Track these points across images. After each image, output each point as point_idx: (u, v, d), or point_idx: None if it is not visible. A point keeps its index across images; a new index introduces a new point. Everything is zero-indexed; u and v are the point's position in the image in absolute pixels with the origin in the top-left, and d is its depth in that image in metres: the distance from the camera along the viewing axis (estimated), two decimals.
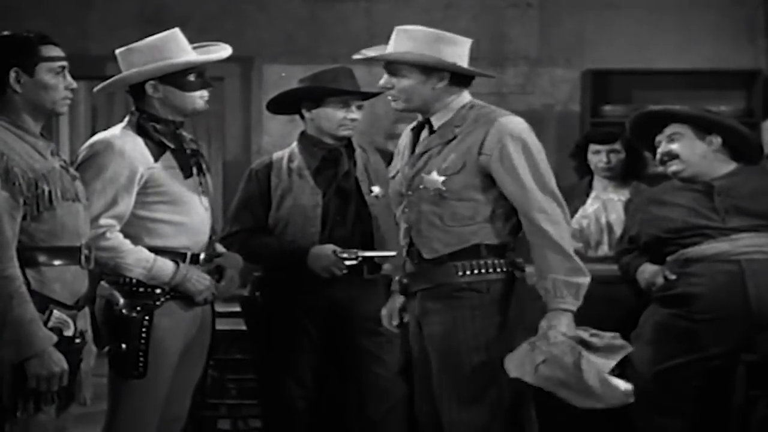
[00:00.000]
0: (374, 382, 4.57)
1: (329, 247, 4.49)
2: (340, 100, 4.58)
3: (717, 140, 4.47)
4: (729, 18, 7.39)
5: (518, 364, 3.67)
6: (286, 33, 7.34)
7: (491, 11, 7.30)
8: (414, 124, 3.98)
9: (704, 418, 4.40)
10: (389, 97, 3.90)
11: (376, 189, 4.58)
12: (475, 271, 3.80)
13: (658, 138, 4.52)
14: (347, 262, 4.46)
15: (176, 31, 4.04)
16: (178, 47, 4.00)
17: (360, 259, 4.50)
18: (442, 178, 3.80)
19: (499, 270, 3.81)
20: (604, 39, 7.28)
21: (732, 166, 4.50)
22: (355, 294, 4.55)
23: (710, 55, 7.31)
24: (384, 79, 3.88)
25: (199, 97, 4.03)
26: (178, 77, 3.97)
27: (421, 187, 3.84)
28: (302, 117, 4.69)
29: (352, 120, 4.60)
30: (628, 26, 7.34)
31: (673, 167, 4.48)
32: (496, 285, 3.80)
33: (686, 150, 4.46)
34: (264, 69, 7.30)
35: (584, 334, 3.72)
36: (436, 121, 3.87)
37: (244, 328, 4.84)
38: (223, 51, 4.12)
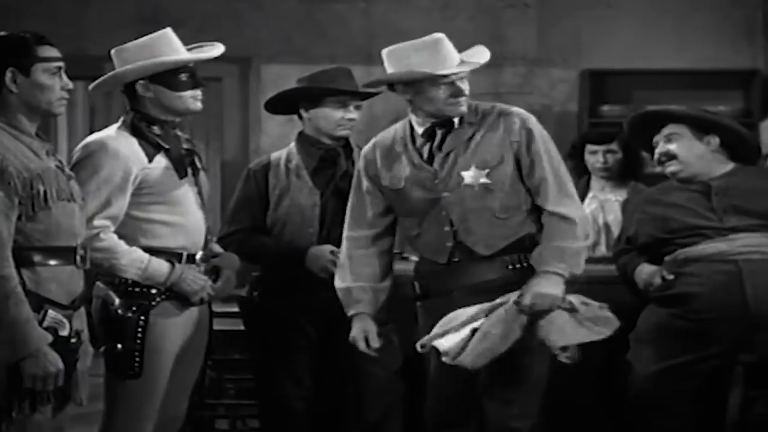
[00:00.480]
0: (371, 382, 4.56)
1: (327, 247, 4.49)
2: (338, 100, 4.58)
3: (715, 140, 4.46)
4: (727, 18, 7.40)
5: (560, 331, 3.85)
6: (284, 33, 7.35)
7: (489, 12, 7.31)
8: (400, 132, 4.10)
9: (702, 418, 4.39)
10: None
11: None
12: (524, 264, 3.94)
13: (656, 138, 4.51)
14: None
15: (168, 31, 4.04)
16: (169, 46, 3.99)
17: None
18: (485, 172, 3.92)
19: (525, 266, 3.96)
20: (602, 39, 7.29)
21: (730, 166, 4.49)
22: None
23: (708, 56, 7.32)
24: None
25: (191, 97, 4.02)
26: (168, 77, 3.97)
27: (462, 184, 3.94)
28: (300, 117, 4.69)
29: (350, 120, 4.60)
30: (626, 26, 7.35)
31: (672, 167, 4.47)
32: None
33: (684, 150, 4.45)
34: (262, 69, 7.31)
35: (575, 299, 3.88)
36: (455, 122, 3.99)
37: (242, 328, 4.83)
38: (215, 50, 4.11)
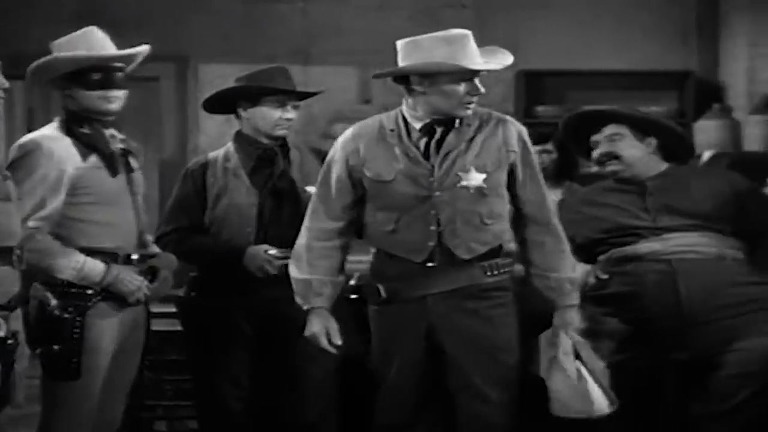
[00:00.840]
0: (308, 383, 4.58)
1: (264, 247, 4.50)
2: (276, 100, 4.58)
3: (653, 141, 4.51)
4: (662, 20, 7.46)
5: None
6: (222, 33, 7.33)
7: (426, 12, 7.32)
8: (389, 124, 4.04)
9: (636, 417, 4.43)
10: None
11: (310, 189, 4.57)
12: (502, 270, 3.99)
13: (595, 138, 4.54)
14: (282, 262, 4.43)
15: (92, 29, 4.02)
16: (88, 44, 3.98)
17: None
18: (483, 176, 3.93)
19: (510, 268, 4.02)
20: (538, 40, 7.32)
21: (664, 166, 4.54)
22: (290, 294, 4.51)
23: (643, 56, 7.38)
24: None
25: (99, 98, 3.98)
26: (79, 75, 3.96)
27: (459, 185, 3.93)
28: (238, 116, 4.68)
29: (288, 120, 4.60)
30: (562, 27, 7.39)
31: (614, 167, 4.51)
32: (513, 283, 4.02)
33: (627, 151, 4.50)
34: (200, 68, 7.28)
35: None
36: (456, 121, 3.97)
37: (179, 328, 4.82)
38: (137, 50, 4.08)
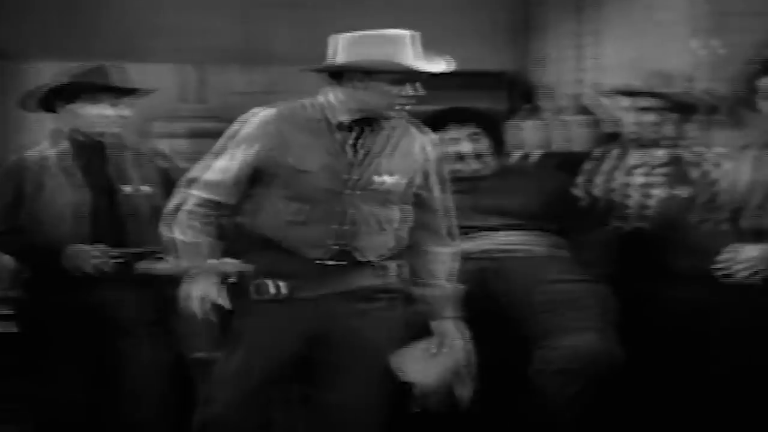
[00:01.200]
0: (133, 384, 4.53)
1: (90, 246, 4.44)
2: (96, 97, 4.50)
3: (486, 140, 4.61)
4: (490, 20, 7.58)
5: (419, 369, 3.94)
6: (42, 30, 7.24)
7: (247, 9, 7.32)
8: (314, 113, 3.92)
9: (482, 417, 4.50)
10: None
11: (127, 188, 4.53)
12: (394, 273, 3.96)
13: (452, 135, 4.56)
14: (110, 261, 4.41)
15: None
16: None
17: (124, 257, 4.46)
18: (393, 180, 3.89)
19: (399, 275, 3.99)
20: None
21: (493, 165, 4.62)
22: (118, 293, 4.50)
23: (471, 57, 7.44)
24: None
25: None
26: None
27: (370, 187, 3.87)
28: (60, 114, 4.59)
29: (108, 117, 4.52)
30: (380, 27, 7.44)
31: (474, 166, 4.60)
32: (401, 289, 3.99)
33: (482, 149, 4.58)
34: (20, 66, 7.18)
35: None
36: (375, 122, 3.91)
37: (14, 330, 4.73)
38: None
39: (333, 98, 3.91)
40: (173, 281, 4.08)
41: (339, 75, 3.88)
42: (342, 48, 3.85)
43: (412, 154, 3.96)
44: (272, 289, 3.90)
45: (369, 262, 3.91)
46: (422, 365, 3.91)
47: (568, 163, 5.74)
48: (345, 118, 3.88)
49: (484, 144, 4.70)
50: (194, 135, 6.91)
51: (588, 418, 4.40)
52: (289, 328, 3.91)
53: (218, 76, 7.04)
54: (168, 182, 4.43)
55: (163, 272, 4.28)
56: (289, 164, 3.86)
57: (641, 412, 4.85)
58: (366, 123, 3.90)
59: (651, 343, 4.75)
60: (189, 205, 3.91)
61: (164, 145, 6.57)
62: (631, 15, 6.48)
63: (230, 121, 6.44)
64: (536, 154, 6.81)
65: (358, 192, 3.87)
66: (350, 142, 3.89)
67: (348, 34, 3.87)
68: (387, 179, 3.88)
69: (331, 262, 3.87)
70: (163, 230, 3.92)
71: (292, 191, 3.87)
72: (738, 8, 5.67)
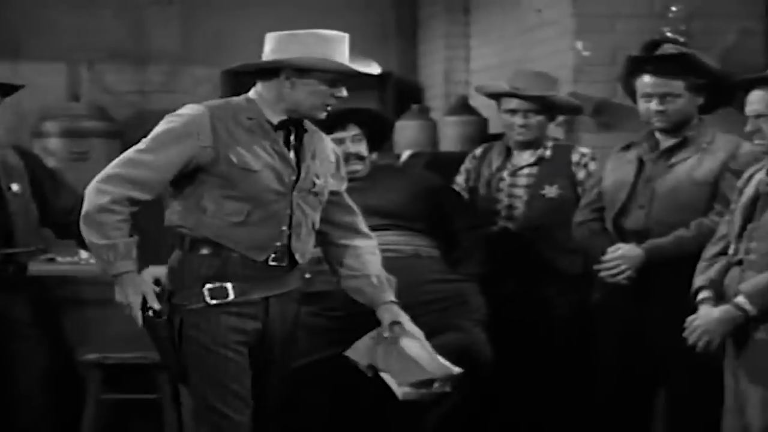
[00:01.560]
0: (19, 388, 4.51)
1: None
2: None
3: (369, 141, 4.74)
4: (362, 20, 7.61)
5: (364, 354, 3.96)
6: None
7: (133, 8, 7.28)
8: (251, 113, 3.83)
9: (337, 413, 4.58)
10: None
11: (15, 187, 4.51)
12: (306, 276, 4.09)
13: (337, 136, 4.61)
14: None
15: None
16: None
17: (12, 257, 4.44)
18: (322, 183, 3.90)
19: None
20: (240, 38, 7.38)
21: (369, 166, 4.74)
22: (8, 295, 4.47)
23: (356, 57, 7.53)
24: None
25: None
26: None
27: (311, 189, 3.87)
28: None
29: None
30: (262, 26, 7.47)
31: (357, 166, 4.69)
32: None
33: (364, 150, 4.68)
34: None
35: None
36: (300, 123, 3.89)
37: None
38: None
39: (267, 97, 3.83)
40: (65, 282, 4.07)
41: (272, 73, 3.81)
42: (273, 46, 3.80)
43: (328, 157, 3.98)
44: (230, 293, 3.79)
45: (297, 264, 3.91)
46: (380, 352, 3.93)
47: (437, 163, 5.88)
48: (276, 118, 3.82)
49: (365, 145, 4.77)
50: (77, 134, 6.80)
51: (458, 414, 4.51)
52: (240, 329, 3.81)
53: (107, 75, 6.95)
54: (34, 181, 4.48)
55: (55, 273, 4.26)
56: (231, 162, 3.74)
57: (513, 409, 5.02)
58: (293, 124, 3.86)
59: (524, 342, 4.91)
60: (110, 204, 3.68)
61: (53, 145, 6.57)
62: (517, 15, 6.55)
63: (111, 120, 6.46)
64: (406, 153, 6.90)
65: (301, 194, 3.86)
66: (288, 143, 3.85)
67: (283, 32, 3.81)
68: (320, 181, 3.90)
69: (274, 264, 3.84)
70: (84, 231, 3.69)
71: (235, 191, 3.76)
72: (603, 11, 5.79)
